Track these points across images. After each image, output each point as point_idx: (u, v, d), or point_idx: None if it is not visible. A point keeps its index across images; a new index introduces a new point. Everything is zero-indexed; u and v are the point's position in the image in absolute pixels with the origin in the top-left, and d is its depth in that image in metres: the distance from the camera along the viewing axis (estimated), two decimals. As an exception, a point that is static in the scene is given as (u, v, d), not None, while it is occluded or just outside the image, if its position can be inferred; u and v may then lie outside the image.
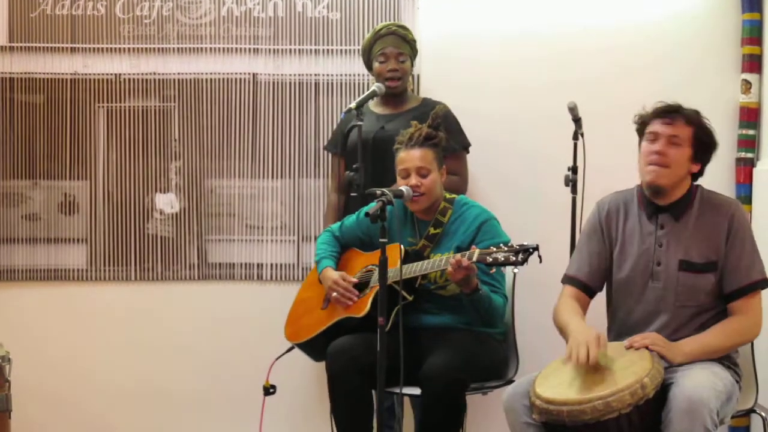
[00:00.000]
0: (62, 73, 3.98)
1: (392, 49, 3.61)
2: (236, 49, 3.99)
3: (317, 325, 3.32)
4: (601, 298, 3.01)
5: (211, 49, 3.99)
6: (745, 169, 3.81)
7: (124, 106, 3.99)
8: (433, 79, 3.94)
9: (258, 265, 4.02)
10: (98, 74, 3.98)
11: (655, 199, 2.84)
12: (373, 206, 2.82)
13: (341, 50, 3.98)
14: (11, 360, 3.14)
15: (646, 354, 2.59)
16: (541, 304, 3.67)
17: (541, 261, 2.79)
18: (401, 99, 3.70)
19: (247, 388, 3.87)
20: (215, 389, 4.02)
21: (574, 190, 3.36)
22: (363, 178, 3.34)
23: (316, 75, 3.99)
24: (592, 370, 2.60)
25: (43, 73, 3.98)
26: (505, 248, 2.83)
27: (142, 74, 3.99)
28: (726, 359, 2.76)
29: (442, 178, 3.26)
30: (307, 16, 3.99)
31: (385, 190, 2.92)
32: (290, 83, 3.99)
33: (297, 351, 3.44)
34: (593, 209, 3.00)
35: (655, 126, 2.80)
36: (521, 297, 3.38)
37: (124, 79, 3.99)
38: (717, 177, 3.60)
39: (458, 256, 2.90)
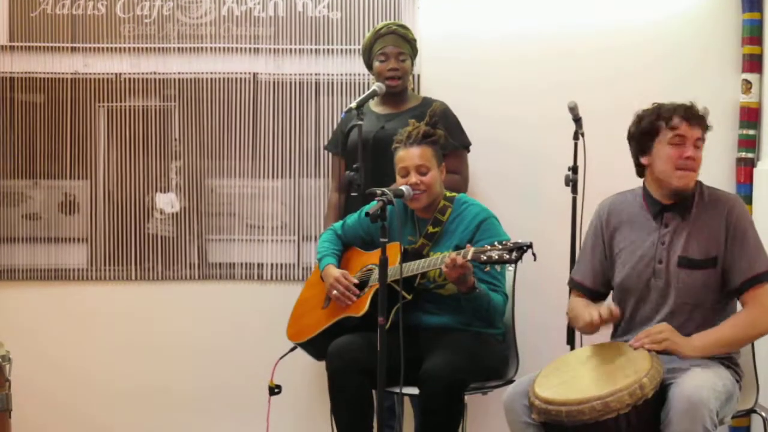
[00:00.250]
0: (62, 73, 3.98)
1: (392, 48, 3.61)
2: (237, 48, 3.99)
3: (318, 324, 3.32)
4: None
5: (211, 48, 3.99)
6: (745, 169, 3.81)
7: (125, 106, 3.99)
8: (433, 78, 3.94)
9: (258, 264, 4.02)
10: (99, 74, 3.98)
11: (663, 199, 2.84)
12: (373, 206, 2.83)
13: (341, 50, 3.98)
14: (11, 360, 3.13)
15: (646, 354, 2.59)
16: (541, 304, 3.69)
17: (535, 258, 2.79)
18: (401, 98, 3.69)
19: (247, 388, 3.87)
20: (215, 389, 4.01)
21: (574, 190, 3.35)
22: (363, 178, 3.34)
23: (316, 75, 3.99)
24: (592, 370, 2.59)
25: (44, 73, 3.98)
26: (500, 246, 2.82)
27: (143, 74, 3.99)
28: (727, 359, 2.76)
29: (442, 176, 3.26)
30: (308, 15, 3.99)
31: (385, 189, 2.92)
32: (290, 83, 3.99)
33: (298, 350, 3.44)
34: (595, 212, 3.00)
35: (683, 129, 2.76)
36: (521, 297, 3.37)
37: (125, 79, 3.99)
38: (717, 177, 3.61)
39: (453, 254, 2.90)
